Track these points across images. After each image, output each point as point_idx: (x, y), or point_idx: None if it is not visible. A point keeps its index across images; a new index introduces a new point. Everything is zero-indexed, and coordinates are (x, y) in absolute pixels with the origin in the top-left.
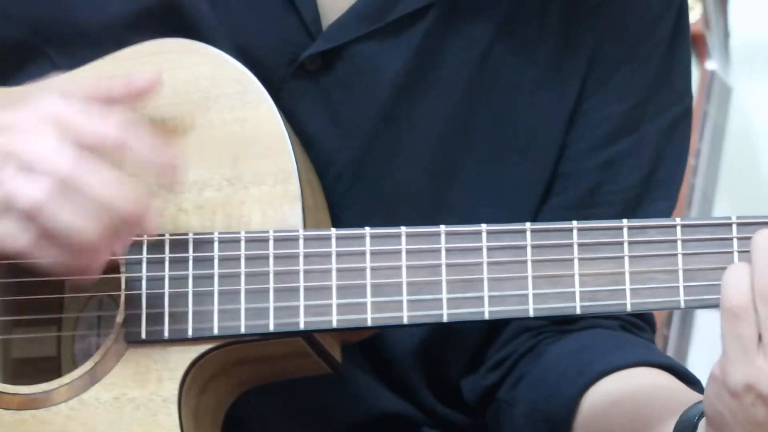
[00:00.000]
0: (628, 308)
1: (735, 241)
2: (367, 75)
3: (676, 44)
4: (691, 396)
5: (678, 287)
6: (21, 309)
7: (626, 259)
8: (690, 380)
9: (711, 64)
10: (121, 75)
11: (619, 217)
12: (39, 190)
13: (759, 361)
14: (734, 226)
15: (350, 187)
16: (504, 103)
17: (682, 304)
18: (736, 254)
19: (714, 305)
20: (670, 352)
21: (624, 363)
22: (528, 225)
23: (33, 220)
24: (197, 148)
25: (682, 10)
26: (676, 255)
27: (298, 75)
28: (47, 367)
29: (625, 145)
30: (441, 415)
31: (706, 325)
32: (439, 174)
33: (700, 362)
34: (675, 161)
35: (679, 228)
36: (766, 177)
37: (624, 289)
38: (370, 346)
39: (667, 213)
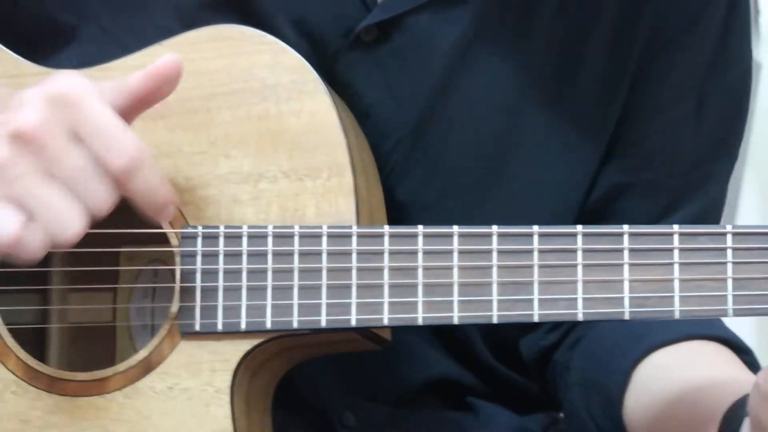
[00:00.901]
0: (677, 315)
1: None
2: (422, 46)
3: (734, 13)
4: (739, 377)
5: (726, 296)
6: (76, 278)
7: (676, 266)
8: (744, 350)
9: None
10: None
11: (681, 178)
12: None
13: None
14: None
15: (406, 157)
16: (563, 67)
17: (731, 313)
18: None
19: (764, 314)
20: None
21: (676, 337)
22: (579, 228)
23: None
24: (253, 137)
25: None
26: (725, 263)
27: (355, 46)
28: (104, 334)
29: (684, 110)
30: (498, 376)
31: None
32: (492, 148)
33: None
34: (734, 119)
35: (729, 236)
36: None
37: (673, 296)
38: None
39: (728, 171)
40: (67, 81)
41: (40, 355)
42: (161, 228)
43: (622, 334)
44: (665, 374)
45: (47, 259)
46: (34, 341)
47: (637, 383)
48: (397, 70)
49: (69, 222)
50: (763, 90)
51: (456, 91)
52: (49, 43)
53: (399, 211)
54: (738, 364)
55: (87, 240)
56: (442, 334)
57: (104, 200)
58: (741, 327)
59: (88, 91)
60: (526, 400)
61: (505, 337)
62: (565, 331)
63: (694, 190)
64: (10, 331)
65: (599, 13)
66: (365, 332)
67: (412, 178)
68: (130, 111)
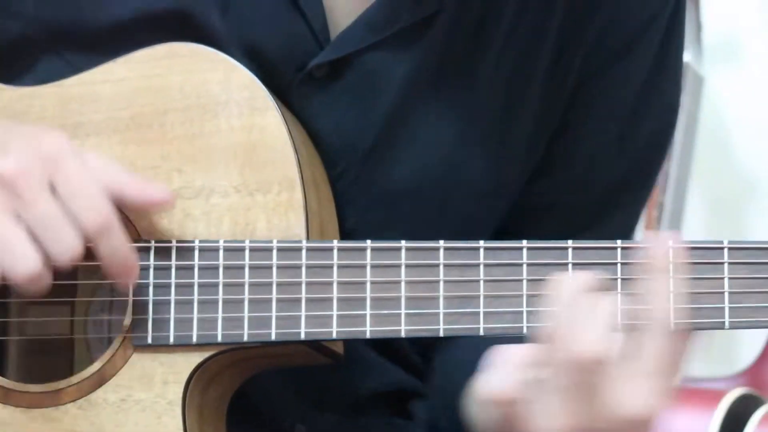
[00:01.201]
0: None
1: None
2: (373, 83)
3: (669, 47)
4: None
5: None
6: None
7: (618, 280)
8: None
9: (685, 56)
10: (134, 78)
11: (595, 203)
12: None
13: None
14: (725, 251)
15: (351, 186)
16: (506, 108)
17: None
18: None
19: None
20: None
21: None
22: (525, 243)
23: None
24: (205, 153)
25: (678, 10)
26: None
27: (306, 81)
28: (61, 347)
29: (608, 138)
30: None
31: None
32: (432, 183)
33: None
34: (655, 152)
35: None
36: (737, 162)
37: None
38: None
39: (640, 202)
40: (55, 140)
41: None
42: None
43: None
44: None
45: None
46: None
47: None
48: (347, 105)
49: (23, 262)
50: (705, 102)
51: (401, 127)
52: (6, 68)
53: (346, 237)
54: None
55: None
56: (381, 345)
57: (69, 248)
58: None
59: (74, 153)
60: None
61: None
62: None
63: (603, 215)
64: None
65: (541, 49)
66: (316, 345)
67: (356, 207)
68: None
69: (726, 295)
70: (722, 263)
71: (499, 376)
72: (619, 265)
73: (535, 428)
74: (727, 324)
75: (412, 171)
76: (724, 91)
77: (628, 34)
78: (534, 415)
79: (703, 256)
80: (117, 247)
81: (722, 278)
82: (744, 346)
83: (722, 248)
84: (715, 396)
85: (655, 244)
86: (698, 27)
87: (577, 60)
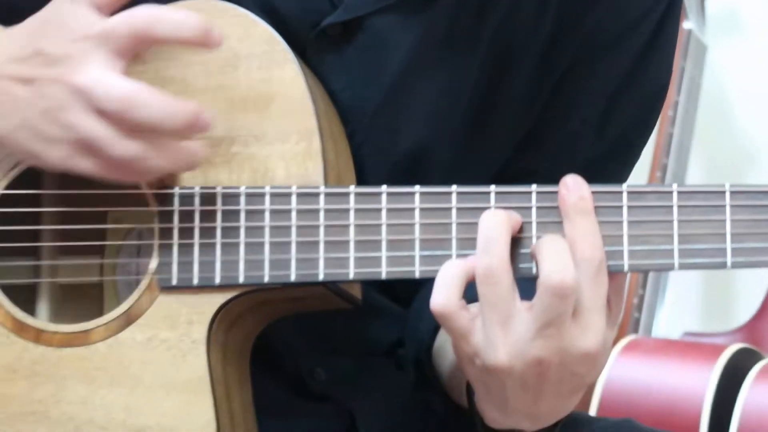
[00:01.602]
0: (626, 268)
1: (728, 208)
2: (382, 45)
3: (660, 36)
4: None
5: (673, 250)
6: (66, 239)
7: (625, 223)
8: None
9: (688, 24)
10: None
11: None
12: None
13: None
14: (727, 194)
15: (360, 145)
16: (498, 82)
17: (677, 266)
18: (728, 222)
19: (707, 267)
20: (644, 310)
21: None
22: (534, 187)
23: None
24: (226, 104)
25: (673, 6)
26: (671, 221)
27: (320, 39)
28: (92, 291)
29: (591, 115)
30: None
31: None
32: (426, 144)
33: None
34: (637, 131)
35: (675, 194)
36: (737, 126)
37: (622, 250)
38: None
39: (620, 178)
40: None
41: (32, 311)
42: (142, 189)
43: None
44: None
45: (38, 221)
46: (26, 299)
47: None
48: (358, 64)
49: (117, 141)
50: (708, 70)
51: (410, 87)
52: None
53: None
54: None
55: (76, 202)
56: (395, 292)
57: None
58: (689, 281)
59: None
60: None
61: None
62: None
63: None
64: (1, 287)
65: (536, 32)
66: (335, 288)
67: (366, 163)
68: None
69: (728, 235)
70: (724, 206)
71: (439, 291)
72: (625, 207)
73: (494, 355)
74: (729, 263)
75: (410, 139)
76: (725, 58)
77: (622, 25)
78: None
79: (706, 200)
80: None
81: (724, 220)
82: (742, 303)
83: (724, 192)
84: (715, 350)
85: (570, 188)
86: None
87: (570, 47)
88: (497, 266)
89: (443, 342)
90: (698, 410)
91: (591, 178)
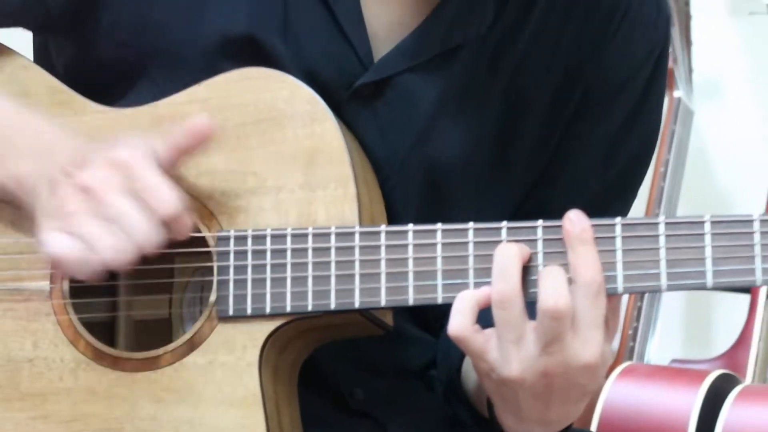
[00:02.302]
0: (620, 290)
1: (708, 236)
2: (409, 100)
3: (654, 84)
4: None
5: (660, 273)
6: (139, 278)
7: (619, 251)
8: None
9: (678, 93)
10: (214, 98)
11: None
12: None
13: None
14: (707, 224)
15: (393, 188)
16: (512, 128)
17: (665, 288)
18: (708, 247)
19: (692, 288)
20: (638, 340)
21: None
22: (540, 222)
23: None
24: (275, 158)
25: (660, 61)
26: (659, 249)
27: (354, 97)
28: (161, 328)
29: (596, 158)
30: None
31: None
32: (459, 182)
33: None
34: (636, 169)
35: (662, 225)
36: (719, 182)
37: (616, 275)
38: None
39: (623, 211)
40: (125, 150)
41: (111, 343)
42: (204, 233)
43: None
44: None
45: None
46: (106, 333)
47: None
48: (387, 117)
49: (103, 245)
50: (694, 132)
51: (437, 135)
52: (110, 91)
53: None
54: None
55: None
56: (426, 324)
57: (150, 236)
58: (676, 315)
59: (142, 157)
60: None
61: None
62: None
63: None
64: (81, 321)
65: (546, 81)
66: (369, 315)
67: (400, 203)
68: (175, 158)
69: (708, 260)
70: (704, 234)
71: (455, 318)
72: (618, 238)
73: (508, 369)
74: (710, 284)
75: (436, 181)
76: (710, 123)
77: (625, 72)
78: (505, 357)
79: (690, 229)
80: (185, 227)
81: (704, 246)
82: (722, 334)
83: (704, 221)
84: (699, 375)
85: (574, 221)
86: (690, 69)
87: (577, 93)
88: (511, 293)
89: (469, 364)
90: (685, 428)
91: (596, 214)
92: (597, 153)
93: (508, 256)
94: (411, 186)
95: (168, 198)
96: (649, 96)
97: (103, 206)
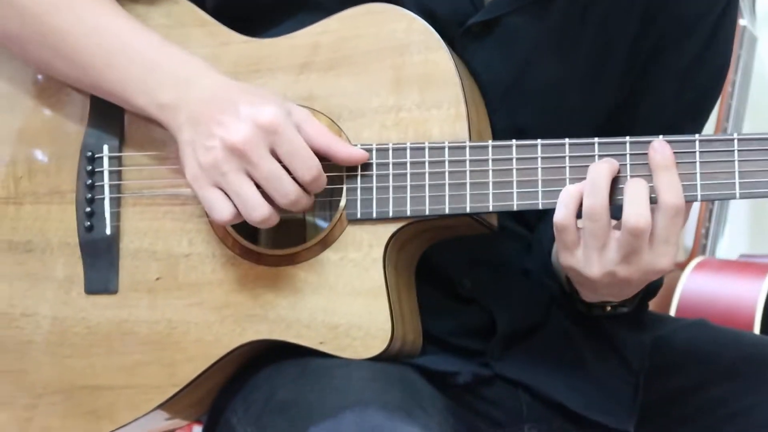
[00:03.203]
0: (698, 198)
1: None
2: (514, 36)
3: (724, 21)
4: None
5: (735, 183)
6: None
7: (698, 163)
8: None
9: (743, 21)
10: (343, 29)
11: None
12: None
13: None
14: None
15: (495, 111)
16: (601, 62)
17: (738, 196)
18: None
19: (763, 196)
20: (710, 238)
21: None
22: (628, 139)
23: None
24: (395, 81)
25: (731, 5)
26: (733, 161)
27: (466, 34)
28: (296, 228)
29: (671, 90)
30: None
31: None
32: (552, 111)
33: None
34: (706, 100)
35: (735, 141)
36: None
37: (695, 184)
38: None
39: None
40: (272, 112)
41: (253, 241)
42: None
43: None
44: None
45: None
46: (252, 233)
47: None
48: (494, 52)
49: (257, 209)
50: (758, 60)
51: (532, 70)
52: (267, 20)
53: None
54: None
55: None
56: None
57: (291, 197)
58: (743, 215)
59: (286, 121)
60: None
61: None
62: None
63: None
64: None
65: (629, 19)
66: (478, 217)
67: (498, 127)
68: (320, 153)
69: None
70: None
71: (560, 209)
72: (697, 153)
73: (589, 270)
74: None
75: (534, 109)
76: None
77: (694, 13)
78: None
79: (760, 144)
80: (322, 186)
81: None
82: None
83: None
84: (764, 267)
85: (657, 149)
86: (753, 0)
87: (653, 34)
88: (599, 207)
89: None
90: (753, 312)
91: (673, 133)
92: (670, 88)
93: (598, 174)
94: (510, 111)
95: (311, 163)
96: (719, 32)
97: (254, 168)
